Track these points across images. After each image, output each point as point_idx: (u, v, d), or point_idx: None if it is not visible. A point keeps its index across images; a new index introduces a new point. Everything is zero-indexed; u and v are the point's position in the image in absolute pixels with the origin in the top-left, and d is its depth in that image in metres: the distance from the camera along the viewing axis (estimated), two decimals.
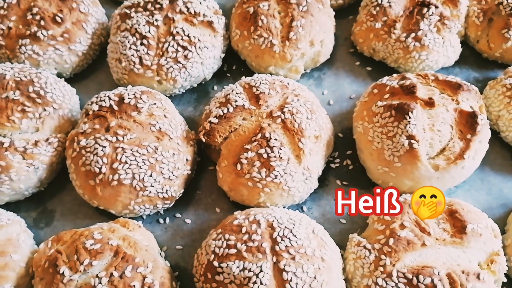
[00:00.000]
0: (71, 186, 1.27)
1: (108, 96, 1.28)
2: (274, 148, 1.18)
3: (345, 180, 1.34)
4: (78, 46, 1.48)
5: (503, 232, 1.20)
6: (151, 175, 1.19)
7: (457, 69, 1.53)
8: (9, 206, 1.28)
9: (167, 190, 1.22)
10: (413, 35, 1.43)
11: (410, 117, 1.19)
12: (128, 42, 1.41)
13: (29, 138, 1.25)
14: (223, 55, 1.51)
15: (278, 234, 1.06)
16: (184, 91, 1.49)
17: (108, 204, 1.21)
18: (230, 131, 1.25)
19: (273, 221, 1.09)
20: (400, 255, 1.05)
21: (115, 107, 1.25)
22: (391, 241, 1.07)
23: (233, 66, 1.58)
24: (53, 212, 1.30)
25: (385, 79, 1.37)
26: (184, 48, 1.39)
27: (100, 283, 1.00)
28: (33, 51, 1.42)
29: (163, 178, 1.20)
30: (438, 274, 1.01)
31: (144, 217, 1.28)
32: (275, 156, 1.18)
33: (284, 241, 1.05)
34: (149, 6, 1.45)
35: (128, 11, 1.47)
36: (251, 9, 1.46)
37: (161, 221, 1.28)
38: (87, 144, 1.20)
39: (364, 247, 1.10)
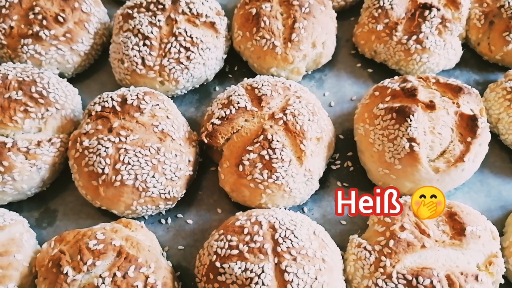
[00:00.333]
0: (74, 186, 1.27)
1: (111, 97, 1.28)
2: (276, 150, 1.19)
3: (345, 181, 1.34)
4: (80, 46, 1.48)
5: (501, 234, 1.21)
6: (153, 176, 1.19)
7: (458, 72, 1.53)
8: (12, 206, 1.28)
9: (169, 190, 1.22)
10: (414, 37, 1.43)
11: (411, 120, 1.20)
12: (131, 42, 1.40)
13: (31, 139, 1.25)
14: (225, 56, 1.51)
15: (279, 235, 1.07)
16: (186, 92, 1.49)
17: (110, 204, 1.21)
18: (232, 133, 1.25)
19: (274, 222, 1.10)
20: (400, 256, 1.06)
21: (118, 108, 1.25)
22: (391, 242, 1.08)
23: (235, 67, 1.58)
24: (55, 212, 1.31)
25: (386, 81, 1.37)
26: (187, 49, 1.39)
27: (103, 283, 1.01)
28: (35, 51, 1.42)
29: (166, 179, 1.21)
30: (437, 276, 1.02)
31: (146, 217, 1.29)
32: (277, 158, 1.19)
33: (285, 242, 1.06)
34: (151, 6, 1.45)
35: (130, 12, 1.46)
36: (254, 10, 1.46)
37: (163, 221, 1.29)
38: (90, 144, 1.21)
39: (365, 248, 1.11)
